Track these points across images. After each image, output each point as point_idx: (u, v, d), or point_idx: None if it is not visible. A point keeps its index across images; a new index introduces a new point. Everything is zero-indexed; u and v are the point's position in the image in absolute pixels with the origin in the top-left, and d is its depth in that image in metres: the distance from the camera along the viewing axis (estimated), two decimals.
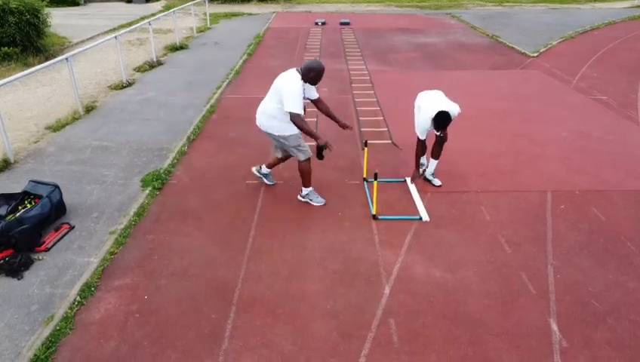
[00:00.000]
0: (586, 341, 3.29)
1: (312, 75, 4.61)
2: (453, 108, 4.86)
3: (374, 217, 4.70)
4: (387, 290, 3.77)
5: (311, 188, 5.06)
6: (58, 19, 15.43)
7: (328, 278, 3.92)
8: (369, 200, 4.97)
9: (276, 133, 4.78)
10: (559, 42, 13.35)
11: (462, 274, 3.95)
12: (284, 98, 4.55)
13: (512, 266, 4.05)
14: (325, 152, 4.86)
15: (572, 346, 3.25)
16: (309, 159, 4.90)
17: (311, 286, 3.83)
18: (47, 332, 3.35)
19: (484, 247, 4.30)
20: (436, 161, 5.35)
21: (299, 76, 4.61)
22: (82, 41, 13.37)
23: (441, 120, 4.76)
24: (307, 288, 3.81)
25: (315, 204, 5.03)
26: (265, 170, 5.39)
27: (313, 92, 4.86)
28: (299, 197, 5.11)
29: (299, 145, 4.83)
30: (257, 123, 4.88)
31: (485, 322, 3.46)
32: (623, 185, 5.39)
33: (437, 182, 5.37)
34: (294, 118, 4.58)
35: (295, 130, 4.73)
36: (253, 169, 5.47)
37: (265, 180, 5.43)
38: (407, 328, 3.40)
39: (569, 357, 3.16)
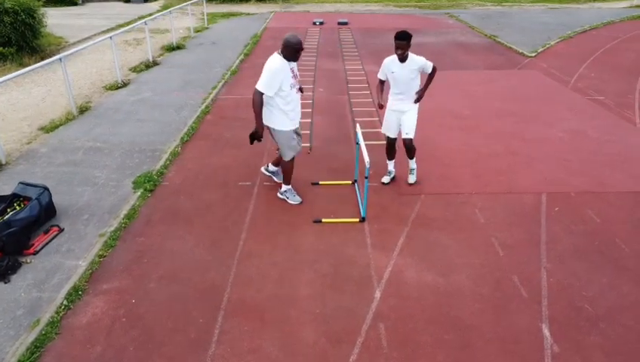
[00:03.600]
0: (578, 346, 3.25)
1: (287, 51, 4.48)
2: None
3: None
4: (378, 294, 3.72)
5: (289, 187, 5.06)
6: (55, 19, 15.42)
7: (319, 282, 3.87)
8: (359, 202, 4.92)
9: (266, 123, 4.70)
10: (557, 42, 13.29)
11: (454, 277, 3.91)
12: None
13: (505, 269, 4.00)
14: (255, 141, 4.73)
15: (564, 351, 3.20)
16: (293, 159, 4.88)
17: (301, 290, 3.78)
18: (32, 337, 3.31)
19: (478, 250, 4.26)
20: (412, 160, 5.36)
21: (279, 56, 4.50)
22: (79, 41, 13.31)
23: (401, 33, 4.71)
24: (297, 292, 3.76)
25: (291, 202, 5.02)
26: (272, 168, 5.38)
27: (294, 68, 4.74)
28: (278, 194, 5.11)
29: (284, 143, 4.77)
30: None
31: (476, 326, 3.42)
32: (620, 186, 5.34)
33: (411, 178, 5.39)
34: (253, 94, 4.45)
35: (284, 127, 4.67)
36: (262, 168, 5.49)
37: (274, 178, 5.41)
38: (397, 333, 3.36)
39: None
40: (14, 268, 3.97)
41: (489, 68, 10.73)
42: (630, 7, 21.10)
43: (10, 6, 10.60)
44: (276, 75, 4.40)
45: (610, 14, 18.53)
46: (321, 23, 16.74)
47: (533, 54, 11.79)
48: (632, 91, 8.83)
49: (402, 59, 4.84)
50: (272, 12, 20.31)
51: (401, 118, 5.09)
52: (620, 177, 5.53)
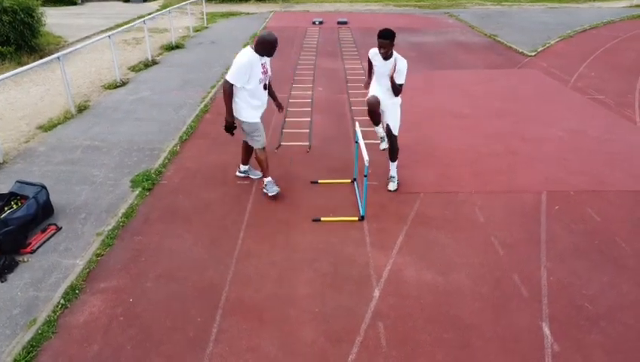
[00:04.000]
0: (579, 345, 3.23)
1: (261, 46, 4.63)
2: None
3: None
4: (377, 293, 3.70)
5: (269, 179, 5.08)
6: (55, 19, 15.38)
7: (318, 281, 3.85)
8: (359, 200, 4.89)
9: (235, 115, 4.80)
10: (557, 41, 13.27)
11: (453, 276, 3.89)
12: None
13: (505, 268, 3.98)
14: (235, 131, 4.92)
15: (564, 350, 3.18)
16: (264, 149, 4.97)
17: (300, 290, 3.76)
18: (28, 336, 3.28)
19: (477, 249, 4.23)
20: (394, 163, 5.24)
21: (250, 50, 4.66)
22: (78, 41, 13.27)
23: (384, 32, 4.60)
24: (296, 291, 3.74)
25: (269, 193, 5.03)
26: (243, 167, 5.45)
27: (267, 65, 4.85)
28: (263, 190, 5.14)
29: (253, 134, 4.88)
30: None
31: (476, 325, 3.40)
32: (620, 185, 5.32)
33: (392, 186, 5.21)
34: (223, 84, 4.68)
35: (251, 119, 4.79)
36: (236, 173, 5.52)
37: (251, 176, 5.46)
38: (396, 332, 3.33)
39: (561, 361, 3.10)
40: (11, 266, 3.94)
41: (489, 67, 10.71)
42: (630, 6, 21.08)
43: (8, 5, 10.56)
44: (245, 67, 4.55)
45: (610, 14, 18.51)
46: (321, 23, 16.73)
47: (533, 53, 11.77)
48: (632, 90, 8.81)
49: (385, 58, 4.69)
50: (271, 12, 20.29)
51: (385, 113, 4.97)
52: (620, 176, 5.51)
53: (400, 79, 4.71)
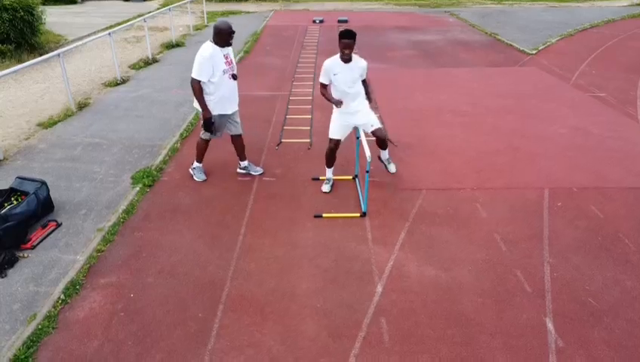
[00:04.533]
0: (583, 340, 3.20)
1: (218, 37, 4.71)
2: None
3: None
4: (379, 289, 3.68)
5: (199, 165, 5.33)
6: (55, 17, 15.36)
7: (320, 276, 3.83)
8: (360, 197, 4.87)
9: (194, 105, 4.94)
10: (558, 40, 13.25)
11: (456, 272, 3.86)
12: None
13: (508, 264, 3.96)
14: (214, 127, 5.00)
15: (568, 346, 3.16)
16: (206, 140, 5.14)
17: (301, 285, 3.73)
18: (28, 331, 3.26)
19: (480, 245, 4.21)
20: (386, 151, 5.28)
21: (210, 43, 4.72)
22: (79, 39, 13.25)
23: (348, 32, 4.51)
24: (298, 286, 3.72)
25: (196, 179, 5.29)
26: (242, 163, 5.48)
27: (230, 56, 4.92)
28: (189, 169, 5.38)
29: (203, 123, 4.97)
30: None
31: (479, 321, 3.37)
32: (622, 182, 5.30)
33: (392, 168, 5.34)
34: (191, 82, 4.72)
35: (214, 112, 4.87)
36: (237, 170, 5.54)
37: (251, 172, 5.47)
38: (399, 327, 3.31)
39: (565, 357, 3.08)
40: (11, 262, 3.92)
41: (490, 65, 10.69)
42: (630, 5, 21.06)
43: (8, 3, 10.53)
44: (206, 61, 4.60)
45: (611, 12, 18.49)
46: (321, 22, 16.69)
47: (534, 52, 11.74)
48: (633, 88, 8.78)
49: (348, 59, 4.59)
50: (271, 10, 20.26)
51: (355, 118, 4.79)
52: (623, 173, 5.49)
53: (364, 74, 4.71)
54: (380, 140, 5.07)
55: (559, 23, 16.07)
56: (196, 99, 4.78)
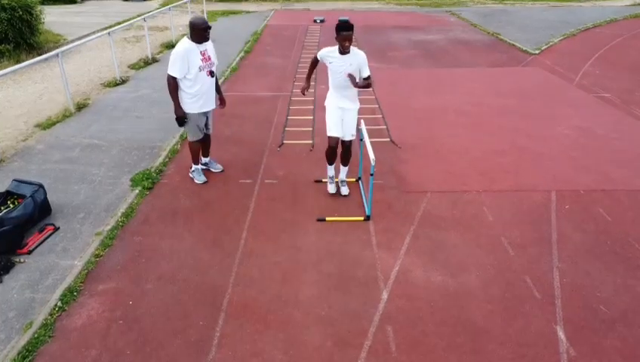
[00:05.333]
0: (595, 349, 3.11)
1: (192, 33, 4.67)
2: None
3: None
4: (385, 295, 3.58)
5: (197, 167, 5.25)
6: (54, 17, 15.27)
7: (323, 282, 3.73)
8: (364, 200, 4.77)
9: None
10: (561, 40, 13.15)
11: (463, 278, 3.77)
12: None
13: (516, 270, 3.86)
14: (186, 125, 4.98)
15: (581, 355, 3.07)
16: (195, 141, 5.06)
17: (305, 291, 3.64)
18: (24, 339, 3.17)
19: (487, 250, 4.12)
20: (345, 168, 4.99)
21: (186, 40, 4.69)
22: (78, 39, 13.15)
23: (346, 23, 4.35)
24: (301, 293, 3.62)
25: (196, 181, 5.19)
26: (204, 160, 5.43)
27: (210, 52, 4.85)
28: (189, 174, 5.31)
29: (191, 125, 4.93)
30: None
31: (488, 329, 3.28)
32: (630, 184, 5.21)
33: (345, 190, 4.98)
34: (166, 79, 4.67)
35: (189, 110, 4.82)
36: (198, 166, 5.40)
37: (212, 169, 5.44)
38: (406, 336, 3.21)
39: None
40: (7, 268, 3.83)
41: (492, 65, 10.59)
42: (633, 4, 20.96)
43: (7, 2, 10.43)
44: (181, 57, 4.56)
45: (613, 12, 18.39)
46: (322, 21, 16.59)
47: (537, 52, 11.65)
48: (637, 89, 8.69)
49: (345, 52, 4.41)
50: (272, 10, 20.16)
51: (343, 116, 4.66)
52: (630, 175, 5.39)
53: (367, 71, 4.49)
54: (345, 152, 4.81)
55: (561, 22, 15.98)
56: (170, 95, 4.72)
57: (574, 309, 3.45)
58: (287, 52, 11.82)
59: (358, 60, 4.45)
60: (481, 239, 4.26)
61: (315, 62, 4.79)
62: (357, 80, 4.48)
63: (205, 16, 16.62)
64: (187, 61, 4.59)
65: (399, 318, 3.36)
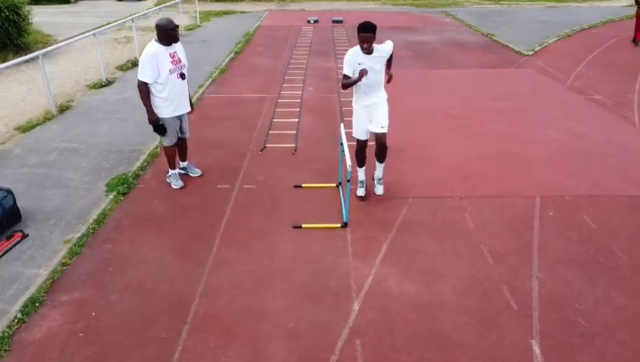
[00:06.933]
0: None
1: (160, 35, 4.55)
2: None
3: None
4: (356, 306, 3.47)
5: (174, 171, 5.14)
6: (46, 17, 15.18)
7: (295, 293, 3.62)
8: (343, 206, 4.66)
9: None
10: (555, 40, 13.03)
11: (439, 288, 3.65)
12: None
13: (494, 279, 3.74)
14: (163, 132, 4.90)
15: None
16: (170, 146, 4.98)
17: (275, 302, 3.52)
18: None
19: (465, 258, 4.00)
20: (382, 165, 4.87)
21: (154, 42, 4.57)
22: (68, 39, 13.03)
23: (366, 25, 4.26)
24: (270, 304, 3.50)
25: (173, 186, 5.09)
26: (182, 164, 5.34)
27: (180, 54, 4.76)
28: (166, 179, 5.20)
29: (165, 130, 4.85)
30: None
31: (461, 342, 3.16)
32: (617, 189, 5.09)
33: (380, 190, 4.93)
34: (138, 85, 4.56)
35: (162, 114, 4.72)
36: (175, 170, 5.28)
37: (190, 173, 5.35)
38: (374, 350, 3.09)
39: None
40: None
41: (485, 67, 10.47)
42: (629, 5, 20.80)
43: None
44: (150, 60, 4.45)
45: (610, 12, 18.28)
46: (316, 22, 16.49)
47: (531, 53, 11.53)
48: (631, 90, 8.57)
49: (369, 52, 4.36)
50: (266, 10, 20.05)
51: (372, 112, 4.58)
52: (618, 180, 5.27)
53: (391, 48, 4.55)
54: (380, 148, 4.68)
55: (557, 23, 15.86)
56: (142, 101, 4.61)
57: (552, 322, 3.33)
58: (278, 53, 11.70)
59: (385, 53, 4.48)
60: (461, 247, 4.14)
61: (347, 78, 4.47)
62: (383, 81, 4.57)
63: (198, 16, 16.53)
64: (157, 65, 4.48)
65: (369, 331, 3.24)
